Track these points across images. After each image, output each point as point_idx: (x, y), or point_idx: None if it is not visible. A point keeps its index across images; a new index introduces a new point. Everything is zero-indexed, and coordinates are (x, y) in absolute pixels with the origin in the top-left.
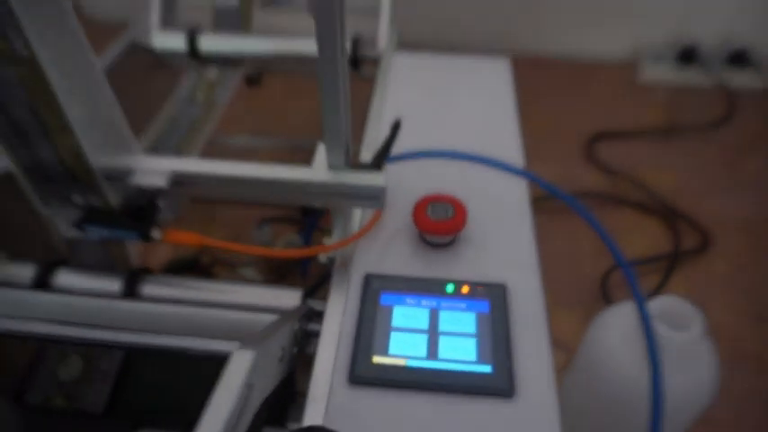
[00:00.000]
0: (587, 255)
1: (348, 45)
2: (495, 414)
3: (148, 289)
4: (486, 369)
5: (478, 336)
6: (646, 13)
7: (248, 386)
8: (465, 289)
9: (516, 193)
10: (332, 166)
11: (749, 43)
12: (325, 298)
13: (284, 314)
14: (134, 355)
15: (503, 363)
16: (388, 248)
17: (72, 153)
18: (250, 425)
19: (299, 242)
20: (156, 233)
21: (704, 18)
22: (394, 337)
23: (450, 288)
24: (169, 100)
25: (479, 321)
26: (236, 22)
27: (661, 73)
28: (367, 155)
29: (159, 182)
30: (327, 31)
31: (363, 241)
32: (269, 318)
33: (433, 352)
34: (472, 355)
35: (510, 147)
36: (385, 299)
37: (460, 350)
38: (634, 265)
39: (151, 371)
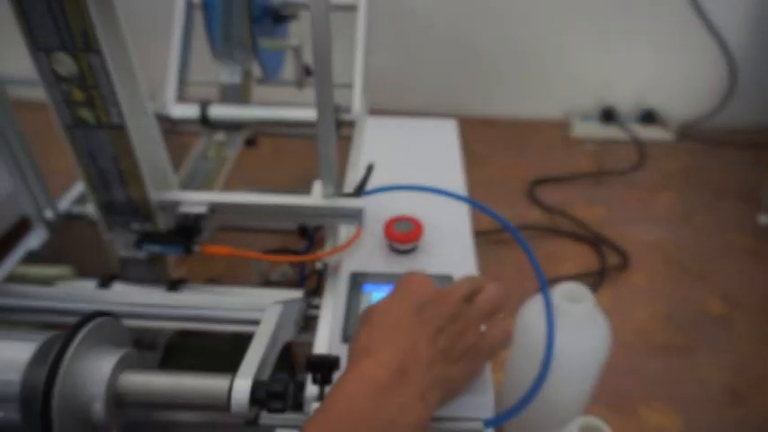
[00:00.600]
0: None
1: None
2: None
3: (187, 292)
4: None
5: None
6: (574, 83)
7: (277, 328)
8: None
9: (459, 213)
10: (325, 195)
11: (656, 105)
12: (321, 295)
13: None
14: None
15: None
16: (367, 255)
17: (138, 191)
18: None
19: (290, 272)
20: (196, 247)
21: (620, 86)
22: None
23: None
24: (187, 157)
25: None
26: (238, 95)
27: (588, 129)
28: (349, 188)
29: (201, 209)
30: (324, 102)
31: (348, 251)
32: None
33: None
34: None
35: (455, 182)
36: (366, 288)
37: None
38: (571, 279)
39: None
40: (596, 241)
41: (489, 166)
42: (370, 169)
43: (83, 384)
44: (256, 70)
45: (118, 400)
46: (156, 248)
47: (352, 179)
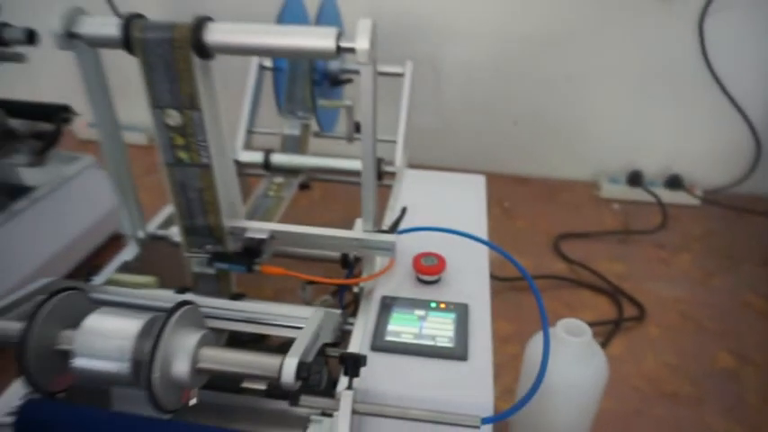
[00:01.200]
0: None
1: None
2: (455, 368)
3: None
4: (451, 345)
5: (452, 327)
6: (604, 147)
7: (318, 329)
8: (443, 305)
9: (479, 255)
10: (365, 230)
11: (682, 171)
12: (355, 314)
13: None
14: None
15: (461, 342)
16: (397, 283)
17: (215, 219)
18: (313, 358)
19: (331, 301)
20: (256, 267)
21: (648, 152)
22: (396, 326)
23: (433, 305)
24: (251, 194)
25: (454, 319)
26: (297, 145)
27: (615, 191)
28: (385, 226)
29: (263, 235)
30: (369, 154)
31: (382, 278)
32: None
33: (419, 334)
34: (447, 336)
35: (478, 228)
36: (393, 309)
37: (439, 334)
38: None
39: None
40: (615, 293)
41: (519, 220)
42: (403, 212)
43: (175, 354)
44: (314, 125)
45: (198, 367)
46: (224, 266)
47: (389, 219)
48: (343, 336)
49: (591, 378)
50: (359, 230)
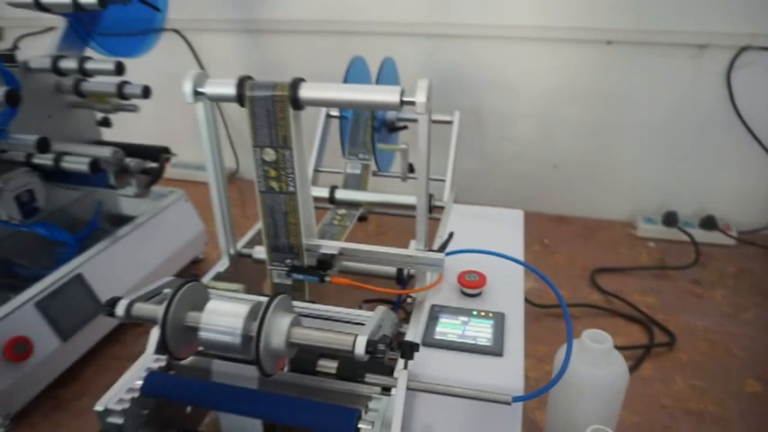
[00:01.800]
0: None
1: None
2: (491, 362)
3: None
4: (490, 344)
5: (491, 330)
6: (640, 190)
7: (381, 321)
8: (483, 313)
9: (515, 275)
10: (418, 250)
11: (716, 212)
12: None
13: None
14: None
15: (498, 342)
16: (444, 296)
17: (295, 238)
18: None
19: None
20: (327, 278)
21: (682, 195)
22: (443, 329)
23: (474, 312)
24: (319, 223)
25: (492, 325)
26: (358, 183)
27: (651, 230)
28: (435, 247)
29: (334, 251)
30: (422, 189)
31: (431, 291)
32: None
33: (462, 335)
34: (486, 337)
35: (515, 252)
36: (440, 315)
37: (479, 335)
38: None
39: None
40: (647, 322)
41: (557, 255)
42: (450, 236)
43: (274, 331)
44: (372, 165)
45: (291, 341)
46: (300, 277)
47: (436, 244)
48: (399, 337)
49: (610, 379)
50: (413, 249)
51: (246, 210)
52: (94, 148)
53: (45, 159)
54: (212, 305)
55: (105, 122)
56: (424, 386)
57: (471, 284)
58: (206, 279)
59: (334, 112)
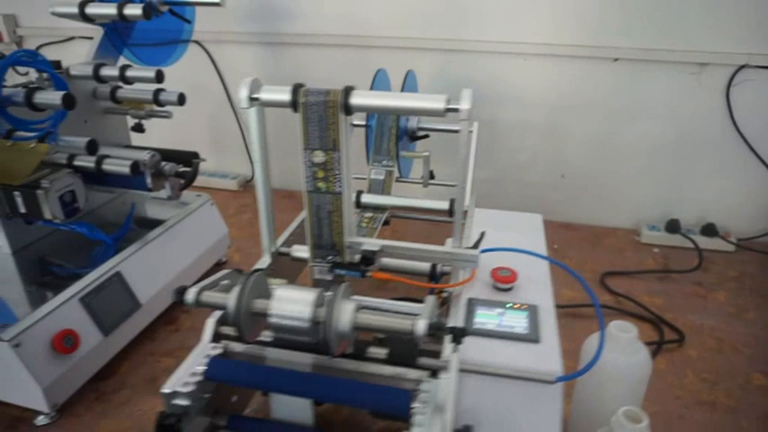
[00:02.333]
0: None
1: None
2: (530, 348)
3: None
4: (527, 332)
5: (526, 320)
6: (644, 199)
7: (434, 307)
8: (516, 305)
9: (542, 271)
10: (454, 247)
11: (717, 220)
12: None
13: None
14: None
15: (534, 330)
16: (478, 290)
17: (338, 236)
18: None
19: None
20: (369, 273)
21: (684, 204)
22: (481, 319)
23: (509, 305)
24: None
25: (527, 316)
26: (381, 188)
27: (655, 237)
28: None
29: (375, 248)
30: (462, 193)
31: (466, 286)
32: None
33: (499, 324)
34: (523, 326)
35: (539, 250)
36: (477, 307)
37: (516, 325)
38: None
39: None
40: (656, 321)
41: (566, 260)
42: (482, 235)
43: (340, 316)
44: (395, 171)
45: (355, 325)
46: (342, 272)
47: (466, 243)
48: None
49: (636, 367)
50: (449, 247)
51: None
52: (133, 152)
53: (88, 161)
54: (281, 292)
55: (139, 128)
56: (473, 368)
57: (504, 279)
58: None
59: (358, 122)
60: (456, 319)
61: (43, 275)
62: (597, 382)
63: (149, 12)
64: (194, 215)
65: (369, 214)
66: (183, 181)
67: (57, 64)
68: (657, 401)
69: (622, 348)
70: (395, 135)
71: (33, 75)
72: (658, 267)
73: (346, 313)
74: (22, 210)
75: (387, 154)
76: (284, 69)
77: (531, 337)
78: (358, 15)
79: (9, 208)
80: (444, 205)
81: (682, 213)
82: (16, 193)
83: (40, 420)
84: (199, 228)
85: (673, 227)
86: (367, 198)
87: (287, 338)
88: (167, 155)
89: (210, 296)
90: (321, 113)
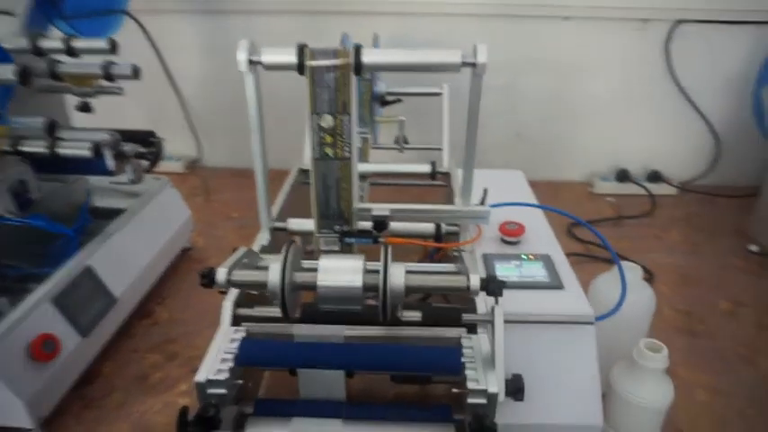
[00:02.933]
0: None
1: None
2: (555, 295)
3: None
4: (548, 280)
5: (544, 269)
6: (594, 153)
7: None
8: (531, 257)
9: (543, 223)
10: (464, 205)
11: (660, 167)
12: None
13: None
14: None
15: (555, 277)
16: (486, 245)
17: (347, 203)
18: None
19: None
20: (381, 239)
21: (630, 154)
22: (501, 272)
23: (524, 256)
24: None
25: (543, 265)
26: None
27: (607, 187)
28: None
29: (386, 212)
30: (471, 147)
31: (475, 243)
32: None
33: (520, 276)
34: (543, 275)
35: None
36: (495, 261)
37: (536, 274)
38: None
39: None
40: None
41: None
42: (485, 191)
43: (394, 280)
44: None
45: (409, 287)
46: (352, 240)
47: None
48: None
49: (644, 302)
50: (460, 205)
51: (211, 198)
52: (88, 133)
53: (38, 146)
54: (326, 263)
55: (85, 107)
56: (515, 318)
57: (512, 233)
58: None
59: None
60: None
61: None
62: (613, 320)
63: None
64: (157, 200)
65: None
66: (145, 162)
67: None
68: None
69: (632, 287)
70: (368, 101)
71: None
72: (615, 215)
73: (399, 276)
74: None
75: (361, 120)
76: (229, 40)
77: (555, 284)
78: None
79: None
80: (426, 168)
81: (629, 163)
82: None
83: None
84: (163, 213)
85: (622, 176)
86: None
87: (328, 309)
88: (125, 134)
89: (246, 275)
90: (330, 75)
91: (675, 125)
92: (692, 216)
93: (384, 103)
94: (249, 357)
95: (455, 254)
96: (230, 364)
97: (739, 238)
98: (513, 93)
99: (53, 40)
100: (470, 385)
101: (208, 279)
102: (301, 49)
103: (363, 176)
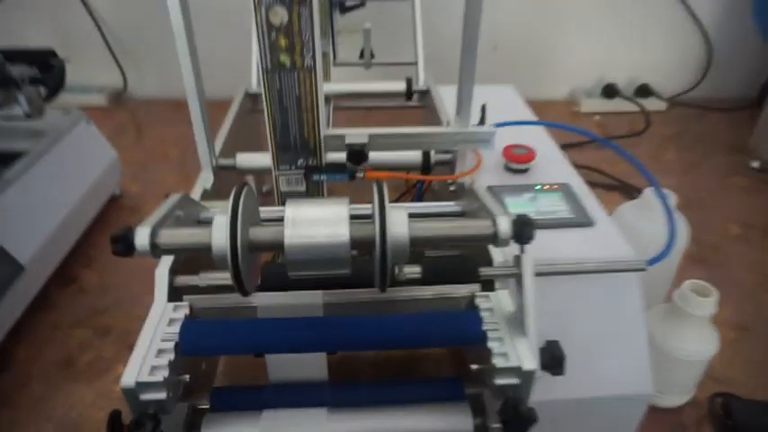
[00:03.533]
0: None
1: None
2: (585, 233)
3: None
4: (573, 215)
5: (564, 202)
6: (578, 67)
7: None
8: (546, 187)
9: (550, 143)
10: (462, 126)
11: (650, 80)
12: None
13: None
14: None
15: (581, 212)
16: (488, 176)
17: (312, 130)
18: None
19: None
20: (361, 173)
21: (616, 67)
22: (515, 209)
23: (538, 187)
24: None
25: (562, 196)
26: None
27: (593, 104)
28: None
29: (364, 140)
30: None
31: (475, 174)
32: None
33: (538, 212)
34: (565, 209)
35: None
36: (503, 196)
37: (557, 209)
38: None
39: None
40: (626, 188)
41: None
42: (484, 108)
43: (396, 230)
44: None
45: (415, 239)
46: (323, 178)
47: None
48: None
49: (681, 236)
50: (458, 126)
51: (143, 135)
52: None
53: None
54: (295, 211)
55: None
56: (548, 269)
57: (521, 158)
58: (195, 197)
59: None
60: None
61: None
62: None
63: None
64: (69, 139)
65: None
66: (43, 89)
67: None
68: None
69: (661, 217)
70: (325, 6)
71: None
72: (605, 135)
73: (401, 225)
74: None
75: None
76: None
77: (582, 221)
78: None
79: None
80: (400, 86)
81: (615, 77)
82: None
83: None
84: (78, 155)
85: (609, 92)
86: None
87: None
88: (10, 55)
89: (179, 235)
90: None
91: (664, 32)
92: (685, 133)
93: (344, 9)
94: (195, 345)
95: (451, 188)
96: (170, 357)
97: (739, 155)
98: (489, 2)
99: None
100: (498, 362)
101: (123, 245)
102: None
103: (326, 99)
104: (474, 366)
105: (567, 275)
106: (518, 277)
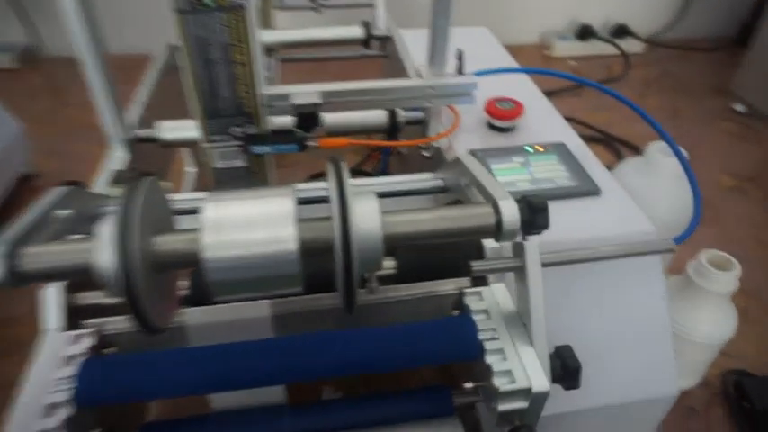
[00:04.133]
0: None
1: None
2: (594, 204)
3: None
4: (576, 183)
5: (563, 166)
6: (549, 6)
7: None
8: (539, 148)
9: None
10: (436, 75)
11: (625, 19)
12: None
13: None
14: None
15: (584, 178)
16: (470, 138)
17: (248, 89)
18: None
19: None
20: (311, 142)
21: (590, 6)
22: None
23: (528, 149)
24: None
25: (559, 159)
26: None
27: (567, 47)
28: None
29: (315, 99)
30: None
31: (453, 135)
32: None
33: (533, 180)
34: (565, 175)
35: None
36: (487, 162)
37: (554, 175)
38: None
39: None
40: (608, 140)
41: None
42: (461, 55)
43: (363, 222)
44: None
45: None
46: (266, 149)
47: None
48: None
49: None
50: (431, 76)
51: (62, 101)
52: None
53: None
54: (216, 210)
55: None
56: (558, 257)
57: (506, 114)
58: (101, 184)
59: None
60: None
61: None
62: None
63: None
64: None
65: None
66: None
67: None
68: None
69: (673, 175)
70: None
71: None
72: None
73: (370, 219)
74: None
75: None
76: None
77: (587, 189)
78: None
79: None
80: (357, 32)
81: (589, 17)
82: None
83: None
84: None
85: (584, 33)
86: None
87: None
88: None
89: (51, 253)
90: None
91: None
92: (666, 76)
93: None
94: (100, 392)
95: (424, 153)
96: (67, 412)
97: (722, 97)
98: None
99: None
100: (500, 383)
101: None
102: None
103: (269, 50)
104: (468, 385)
105: (575, 264)
106: (520, 270)
